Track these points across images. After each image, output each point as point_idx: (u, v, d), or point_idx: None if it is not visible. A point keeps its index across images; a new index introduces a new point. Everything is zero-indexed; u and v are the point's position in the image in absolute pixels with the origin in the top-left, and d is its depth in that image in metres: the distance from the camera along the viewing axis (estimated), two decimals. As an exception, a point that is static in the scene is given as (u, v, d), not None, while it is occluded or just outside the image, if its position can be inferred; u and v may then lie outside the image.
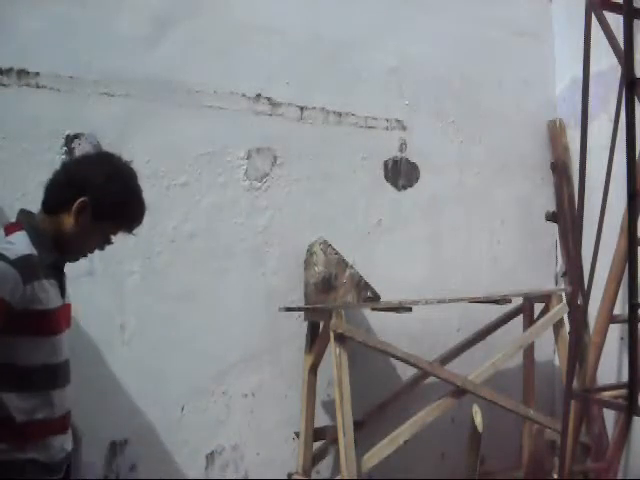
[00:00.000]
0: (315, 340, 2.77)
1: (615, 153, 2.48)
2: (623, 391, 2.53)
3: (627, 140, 2.35)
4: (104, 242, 1.76)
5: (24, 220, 1.66)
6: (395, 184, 3.22)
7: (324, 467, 2.96)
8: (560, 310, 3.03)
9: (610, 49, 2.44)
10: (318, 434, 2.82)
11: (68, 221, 1.65)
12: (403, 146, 3.24)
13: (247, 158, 2.85)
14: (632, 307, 2.37)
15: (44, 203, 1.68)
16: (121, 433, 2.55)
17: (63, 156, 2.41)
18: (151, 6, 2.66)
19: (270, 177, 2.90)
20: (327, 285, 2.73)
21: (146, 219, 2.60)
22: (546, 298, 3.08)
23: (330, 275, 2.74)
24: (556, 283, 3.61)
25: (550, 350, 3.45)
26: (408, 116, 3.25)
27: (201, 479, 2.72)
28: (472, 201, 3.41)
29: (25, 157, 2.37)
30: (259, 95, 2.88)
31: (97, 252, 1.80)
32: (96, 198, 1.64)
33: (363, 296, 2.75)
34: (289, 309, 2.75)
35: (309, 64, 2.99)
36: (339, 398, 2.54)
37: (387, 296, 2.81)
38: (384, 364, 3.07)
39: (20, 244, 1.58)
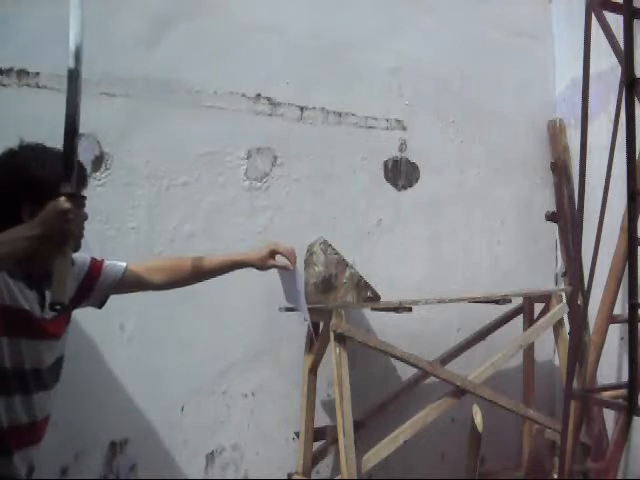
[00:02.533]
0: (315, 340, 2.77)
1: (615, 153, 2.47)
2: (623, 391, 2.53)
3: (627, 140, 2.35)
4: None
5: None
6: (395, 184, 3.22)
7: (324, 467, 2.96)
8: (560, 310, 3.03)
9: (610, 49, 2.45)
10: (318, 434, 2.82)
11: None
12: (403, 146, 3.24)
13: (247, 158, 2.85)
14: (632, 307, 2.37)
15: None
16: (121, 433, 2.55)
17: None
18: (151, 6, 2.66)
19: (270, 177, 2.90)
20: (327, 285, 2.73)
21: (146, 219, 2.64)
22: (546, 298, 3.08)
23: (330, 275, 2.73)
24: (556, 283, 3.61)
25: (550, 350, 3.44)
26: (408, 116, 3.25)
27: (201, 479, 2.72)
28: (472, 201, 3.41)
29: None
30: (259, 95, 2.88)
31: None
32: (36, 192, 1.48)
33: (363, 296, 2.75)
34: (289, 309, 2.75)
35: (309, 64, 2.99)
36: (339, 398, 2.54)
37: (387, 296, 2.81)
38: (384, 364, 3.07)
39: None
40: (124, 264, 1.83)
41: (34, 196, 1.48)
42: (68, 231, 1.36)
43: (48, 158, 1.56)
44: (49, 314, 1.56)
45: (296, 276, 2.00)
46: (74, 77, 1.43)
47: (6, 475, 1.53)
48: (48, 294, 1.55)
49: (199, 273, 1.94)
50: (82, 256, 1.72)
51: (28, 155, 1.56)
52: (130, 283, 1.84)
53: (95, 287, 1.77)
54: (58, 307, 1.37)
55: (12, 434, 1.53)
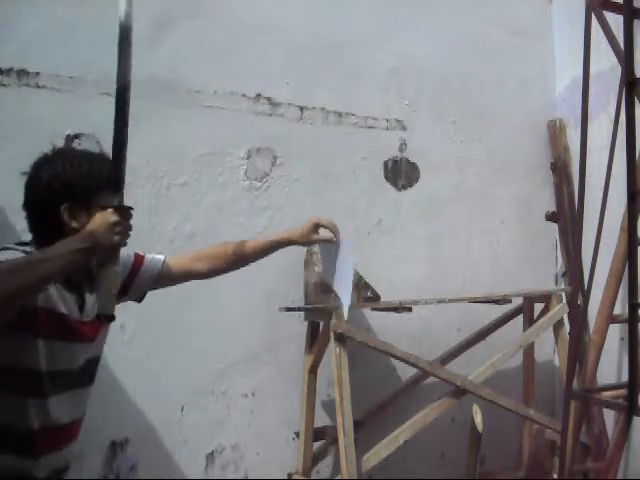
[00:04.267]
0: (315, 340, 2.77)
1: (615, 153, 2.48)
2: (623, 391, 2.53)
3: (627, 140, 2.36)
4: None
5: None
6: (395, 184, 3.22)
7: (324, 467, 2.96)
8: (560, 310, 3.03)
9: (610, 49, 2.45)
10: (318, 434, 2.82)
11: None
12: (403, 146, 3.24)
13: (247, 158, 2.85)
14: (632, 307, 2.37)
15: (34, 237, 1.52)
16: (121, 433, 2.55)
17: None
18: (151, 6, 2.65)
19: (270, 177, 2.90)
20: (327, 285, 2.72)
21: (146, 219, 2.64)
22: (546, 298, 3.08)
23: (330, 275, 2.73)
24: (556, 283, 3.61)
25: (550, 350, 3.45)
26: (408, 116, 3.25)
27: (201, 479, 2.72)
28: (472, 201, 3.41)
29: (25, 157, 2.36)
30: (259, 95, 2.88)
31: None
32: (72, 193, 1.50)
33: (363, 296, 2.75)
34: (289, 309, 2.76)
35: (309, 64, 2.99)
36: (339, 398, 2.54)
37: (387, 296, 2.81)
38: (384, 364, 3.07)
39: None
40: (162, 257, 1.81)
41: (71, 196, 1.49)
42: (116, 243, 1.39)
43: (84, 160, 1.57)
44: (88, 317, 1.56)
45: (340, 248, 1.92)
46: (122, 102, 1.64)
47: (27, 476, 1.51)
48: (88, 297, 1.57)
49: (244, 257, 1.90)
50: (127, 253, 1.70)
51: (63, 157, 1.57)
52: (171, 275, 1.80)
53: (135, 281, 1.75)
54: (102, 318, 1.38)
55: (43, 436, 1.51)
